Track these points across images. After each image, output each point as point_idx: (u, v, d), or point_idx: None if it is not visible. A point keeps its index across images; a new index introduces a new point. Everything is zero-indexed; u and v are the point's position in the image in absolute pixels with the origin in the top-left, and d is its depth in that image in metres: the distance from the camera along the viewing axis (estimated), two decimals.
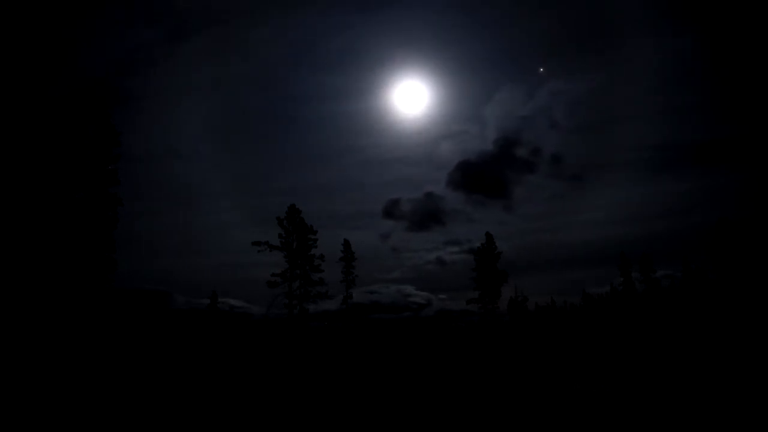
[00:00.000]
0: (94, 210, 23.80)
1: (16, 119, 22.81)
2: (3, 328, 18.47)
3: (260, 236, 34.91)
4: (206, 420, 11.00)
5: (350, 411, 11.94)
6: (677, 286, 54.38)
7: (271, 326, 38.89)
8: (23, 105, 23.25)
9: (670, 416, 10.49)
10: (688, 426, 9.83)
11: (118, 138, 24.90)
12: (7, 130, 22.46)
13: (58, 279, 22.11)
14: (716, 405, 11.23)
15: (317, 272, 35.98)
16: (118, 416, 11.07)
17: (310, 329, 37.18)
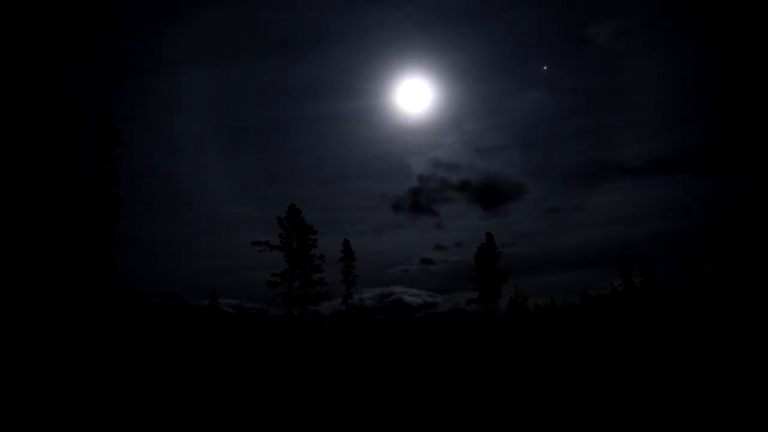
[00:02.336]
0: (94, 210, 23.78)
1: (16, 120, 22.79)
2: (3, 328, 18.45)
3: (263, 237, 34.86)
4: (209, 418, 10.99)
5: (352, 412, 11.92)
6: (677, 287, 54.30)
7: (271, 326, 38.81)
8: (23, 106, 23.23)
9: (671, 416, 10.46)
10: (690, 425, 9.81)
11: (118, 138, 24.87)
12: (7, 131, 22.44)
13: (58, 279, 22.09)
14: (717, 405, 11.21)
15: (317, 272, 35.90)
16: (119, 415, 11.06)
17: (310, 329, 37.14)
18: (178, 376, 17.57)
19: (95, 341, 21.40)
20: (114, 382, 15.17)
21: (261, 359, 25.00)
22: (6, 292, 19.97)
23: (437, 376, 18.40)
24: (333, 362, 24.10)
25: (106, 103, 25.06)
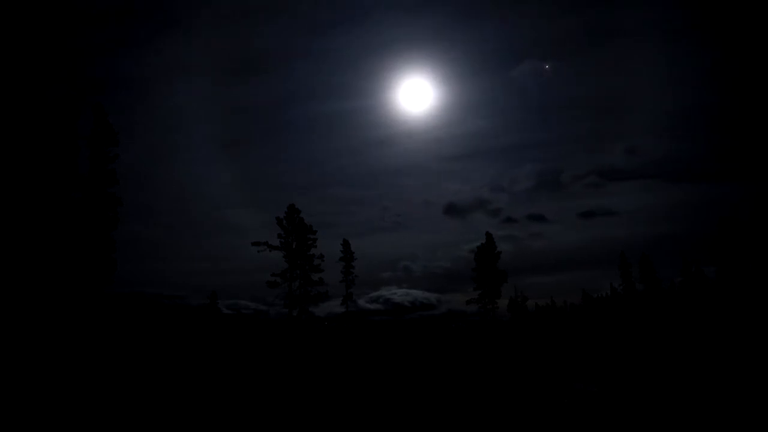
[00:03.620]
0: (93, 210, 23.69)
1: (14, 120, 22.70)
2: (3, 328, 18.37)
3: (262, 237, 34.74)
4: (209, 418, 10.92)
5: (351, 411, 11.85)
6: (677, 287, 54.31)
7: (271, 326, 38.73)
8: (22, 106, 23.13)
9: (670, 415, 10.41)
10: (689, 424, 9.76)
11: (116, 138, 24.78)
12: (6, 131, 22.34)
13: (58, 279, 22.00)
14: (716, 404, 11.16)
15: (317, 272, 35.76)
16: (119, 414, 10.99)
17: (310, 329, 37.06)
18: (177, 377, 17.50)
19: (95, 341, 21.32)
20: (114, 382, 15.09)
21: (261, 359, 24.93)
22: (6, 293, 19.88)
23: (437, 376, 18.34)
24: (333, 362, 24.03)
25: (110, 107, 24.98)
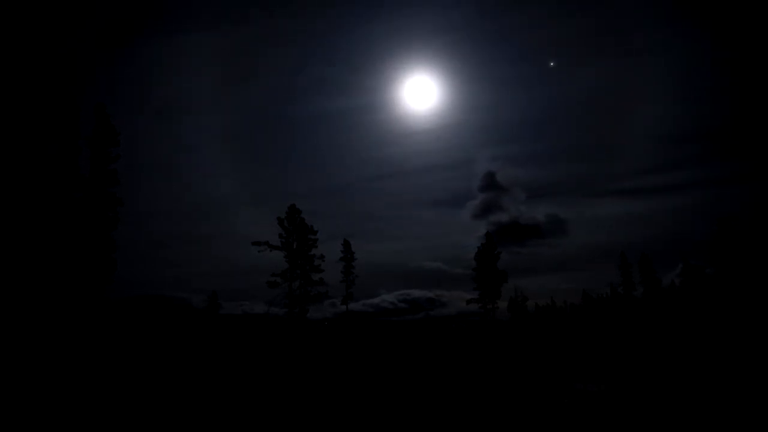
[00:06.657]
0: (94, 210, 23.75)
1: (16, 120, 22.75)
2: (4, 329, 18.41)
3: (263, 237, 34.83)
4: (208, 418, 10.97)
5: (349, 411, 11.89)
6: (677, 287, 54.40)
7: (271, 326, 38.77)
8: (24, 106, 23.18)
9: (669, 415, 10.46)
10: (689, 424, 9.80)
11: (117, 138, 24.85)
12: (7, 132, 22.40)
13: (58, 279, 22.05)
14: (716, 404, 11.21)
15: (317, 272, 35.88)
16: (119, 415, 11.03)
17: (310, 329, 37.11)
18: (177, 377, 17.53)
19: (95, 342, 21.35)
20: (114, 383, 15.13)
21: (260, 360, 24.95)
22: (6, 294, 19.92)
23: (436, 375, 18.38)
24: (333, 363, 24.07)
25: (112, 107, 25.09)
